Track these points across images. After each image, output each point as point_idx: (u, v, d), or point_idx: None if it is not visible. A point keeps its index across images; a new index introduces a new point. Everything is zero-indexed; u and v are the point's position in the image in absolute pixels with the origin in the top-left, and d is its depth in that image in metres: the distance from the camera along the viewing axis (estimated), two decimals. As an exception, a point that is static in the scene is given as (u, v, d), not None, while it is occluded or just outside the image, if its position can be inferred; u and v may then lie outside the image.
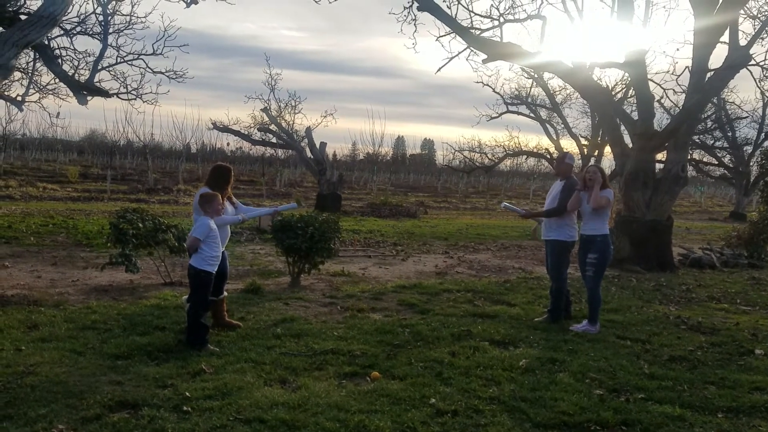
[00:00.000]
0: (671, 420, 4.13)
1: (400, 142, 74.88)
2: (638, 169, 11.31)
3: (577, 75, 11.84)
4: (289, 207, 7.16)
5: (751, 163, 30.34)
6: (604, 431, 3.98)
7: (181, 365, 4.75)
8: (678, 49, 41.97)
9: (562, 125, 25.89)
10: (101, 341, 5.30)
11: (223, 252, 5.68)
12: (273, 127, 23.44)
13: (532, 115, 26.27)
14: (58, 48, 12.87)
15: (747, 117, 29.68)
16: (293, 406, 4.03)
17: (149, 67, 13.39)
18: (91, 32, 12.80)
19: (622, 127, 12.64)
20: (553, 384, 4.70)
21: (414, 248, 12.83)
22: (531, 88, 25.64)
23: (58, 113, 19.00)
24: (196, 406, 3.99)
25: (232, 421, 3.81)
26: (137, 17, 13.09)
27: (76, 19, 12.60)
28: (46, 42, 11.14)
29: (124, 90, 13.46)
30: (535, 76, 23.28)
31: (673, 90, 20.82)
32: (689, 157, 25.20)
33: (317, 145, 22.19)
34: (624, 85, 22.29)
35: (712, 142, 31.81)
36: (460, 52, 14.46)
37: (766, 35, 15.32)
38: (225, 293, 6.03)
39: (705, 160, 32.91)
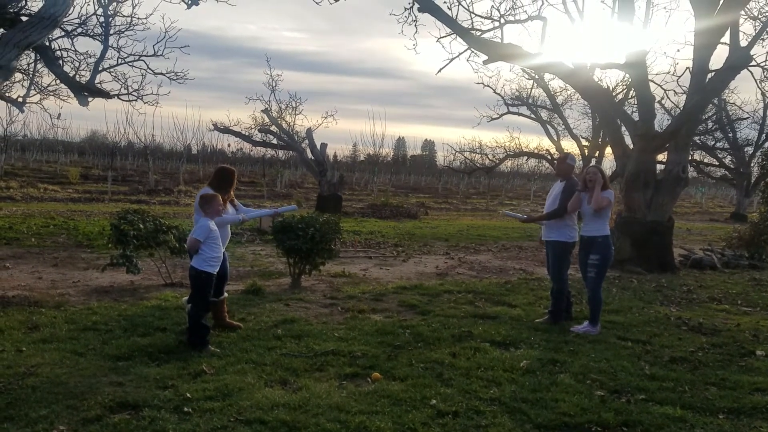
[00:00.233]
0: (672, 421, 4.13)
1: (400, 143, 75.02)
2: (639, 170, 11.31)
3: (577, 76, 11.84)
4: (290, 209, 7.18)
5: (752, 164, 30.34)
6: (605, 432, 3.98)
7: (181, 366, 4.75)
8: (678, 50, 42.07)
9: (563, 126, 25.89)
10: (102, 342, 5.30)
11: (223, 253, 5.68)
12: (274, 128, 23.45)
13: (532, 116, 26.27)
14: (59, 49, 12.91)
15: (748, 118, 29.70)
16: (294, 407, 4.03)
17: (150, 69, 13.42)
18: (92, 33, 12.81)
19: (623, 128, 12.63)
20: (554, 385, 4.69)
21: (415, 249, 12.83)
22: (532, 89, 25.68)
23: (59, 114, 18.98)
24: (196, 407, 3.99)
25: (232, 422, 3.81)
26: (138, 18, 13.13)
27: (77, 21, 12.63)
28: (47, 43, 11.16)
29: (125, 91, 13.48)
30: (536, 77, 23.29)
31: (674, 91, 20.96)
32: (690, 158, 25.20)
33: (318, 146, 22.20)
34: (625, 86, 22.29)
35: (713, 143, 31.82)
36: (460, 53, 14.50)
37: (766, 36, 15.34)
38: (226, 294, 6.03)
39: (706, 161, 32.92)
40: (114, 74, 13.40)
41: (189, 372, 4.64)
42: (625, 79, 21.38)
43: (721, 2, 10.84)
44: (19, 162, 41.05)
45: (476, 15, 14.99)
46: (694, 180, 41.61)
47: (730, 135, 30.82)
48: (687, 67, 11.85)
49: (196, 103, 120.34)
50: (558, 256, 6.72)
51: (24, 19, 9.56)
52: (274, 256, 10.22)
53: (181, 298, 6.76)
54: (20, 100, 14.98)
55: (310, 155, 22.41)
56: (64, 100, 15.72)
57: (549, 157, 26.07)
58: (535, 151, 27.39)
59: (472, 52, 14.17)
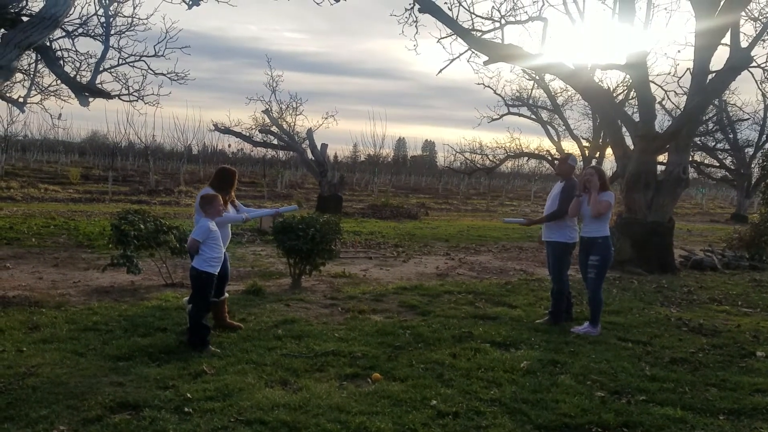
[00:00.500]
0: (672, 422, 4.13)
1: (401, 143, 75.10)
2: (640, 171, 11.30)
3: (578, 77, 11.84)
4: (290, 209, 7.18)
5: (753, 165, 30.31)
6: (606, 433, 3.97)
7: (182, 366, 4.75)
8: (679, 51, 41.88)
9: (564, 127, 25.87)
10: (102, 342, 5.30)
11: (224, 253, 5.68)
12: (274, 128, 23.46)
13: (533, 116, 26.25)
14: (60, 49, 12.92)
15: (748, 119, 29.66)
16: (294, 408, 4.03)
17: (151, 69, 13.42)
18: (92, 34, 12.81)
19: (624, 129, 12.63)
20: (555, 386, 4.69)
21: (415, 250, 12.83)
22: (532, 89, 25.66)
23: (60, 114, 18.97)
24: (197, 407, 3.99)
25: (233, 422, 3.81)
26: (139, 19, 13.13)
27: (77, 21, 12.62)
28: (48, 43, 11.16)
29: (126, 91, 13.47)
30: (537, 77, 23.26)
31: (675, 92, 20.96)
32: (690, 159, 25.21)
33: (318, 147, 22.21)
34: (625, 87, 22.28)
35: (713, 144, 31.81)
36: (461, 54, 14.49)
37: (767, 37, 15.33)
38: (226, 294, 6.03)
39: (706, 161, 32.90)
40: (115, 74, 13.41)
41: (189, 372, 4.64)
42: (626, 79, 21.37)
43: (721, 3, 10.85)
44: (19, 162, 41.08)
45: (477, 16, 15.01)
46: (695, 181, 41.56)
47: (731, 136, 30.81)
48: (687, 68, 11.88)
49: (196, 103, 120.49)
50: (558, 257, 6.72)
51: (25, 19, 9.56)
52: (275, 256, 10.22)
53: (181, 299, 6.76)
54: (21, 100, 14.99)
55: (310, 156, 22.43)
56: (64, 101, 15.76)
57: (549, 158, 26.06)
58: (536, 152, 27.38)
59: (473, 52, 14.18)
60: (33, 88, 15.08)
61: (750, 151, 31.04)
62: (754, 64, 13.80)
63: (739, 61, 11.29)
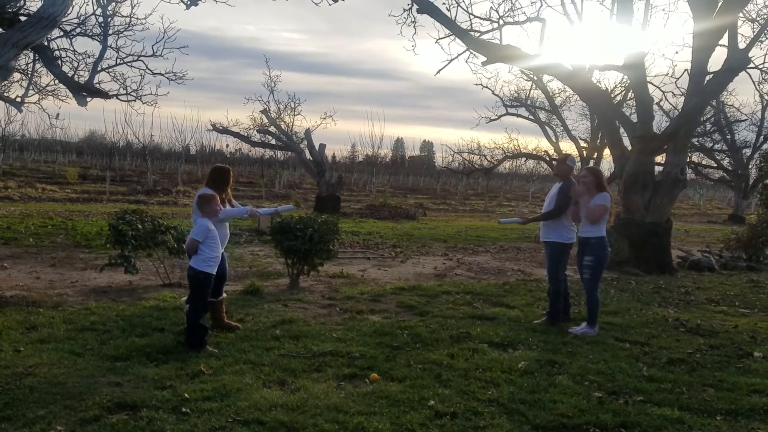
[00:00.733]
0: (670, 422, 4.14)
1: (399, 144, 75.00)
2: (637, 172, 11.32)
3: (576, 77, 11.86)
4: (287, 208, 7.17)
5: (750, 166, 30.39)
6: (603, 433, 3.98)
7: (180, 366, 4.75)
8: (677, 52, 41.98)
9: (562, 127, 25.90)
10: (100, 342, 5.30)
11: (222, 253, 5.68)
12: (272, 128, 23.44)
13: (531, 117, 26.29)
14: (58, 49, 12.86)
15: (746, 120, 29.76)
16: (292, 408, 4.03)
17: (149, 69, 13.37)
18: (90, 33, 12.78)
19: (622, 130, 12.65)
20: (552, 386, 4.70)
21: (413, 250, 12.83)
22: (530, 90, 25.69)
23: (58, 114, 19.07)
24: (194, 407, 3.99)
25: (230, 422, 3.80)
26: (137, 19, 13.09)
27: (75, 21, 12.58)
28: (46, 43, 11.13)
29: (124, 91, 13.43)
30: (535, 78, 23.29)
31: (672, 93, 20.98)
32: (688, 160, 25.24)
33: (316, 147, 22.20)
34: (623, 88, 22.32)
35: (711, 144, 31.89)
36: (459, 55, 14.52)
37: (765, 38, 15.37)
38: (224, 294, 6.03)
39: (704, 162, 33.00)
40: (113, 74, 13.37)
41: (187, 372, 4.64)
42: (624, 80, 21.42)
43: (719, 4, 10.87)
44: (17, 162, 40.99)
45: (475, 16, 15.01)
46: (693, 182, 41.68)
47: (729, 137, 30.88)
48: (685, 69, 11.88)
49: (194, 103, 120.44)
50: (555, 257, 6.73)
51: (23, 18, 9.55)
52: (273, 256, 10.22)
53: (179, 299, 6.76)
54: (19, 100, 14.94)
55: (308, 156, 22.42)
56: (62, 100, 15.69)
57: (547, 159, 26.09)
58: (534, 153, 27.40)
59: (471, 53, 14.19)
60: (31, 87, 15.04)
61: (747, 152, 31.13)
62: (751, 65, 13.84)
63: (737, 62, 11.31)
